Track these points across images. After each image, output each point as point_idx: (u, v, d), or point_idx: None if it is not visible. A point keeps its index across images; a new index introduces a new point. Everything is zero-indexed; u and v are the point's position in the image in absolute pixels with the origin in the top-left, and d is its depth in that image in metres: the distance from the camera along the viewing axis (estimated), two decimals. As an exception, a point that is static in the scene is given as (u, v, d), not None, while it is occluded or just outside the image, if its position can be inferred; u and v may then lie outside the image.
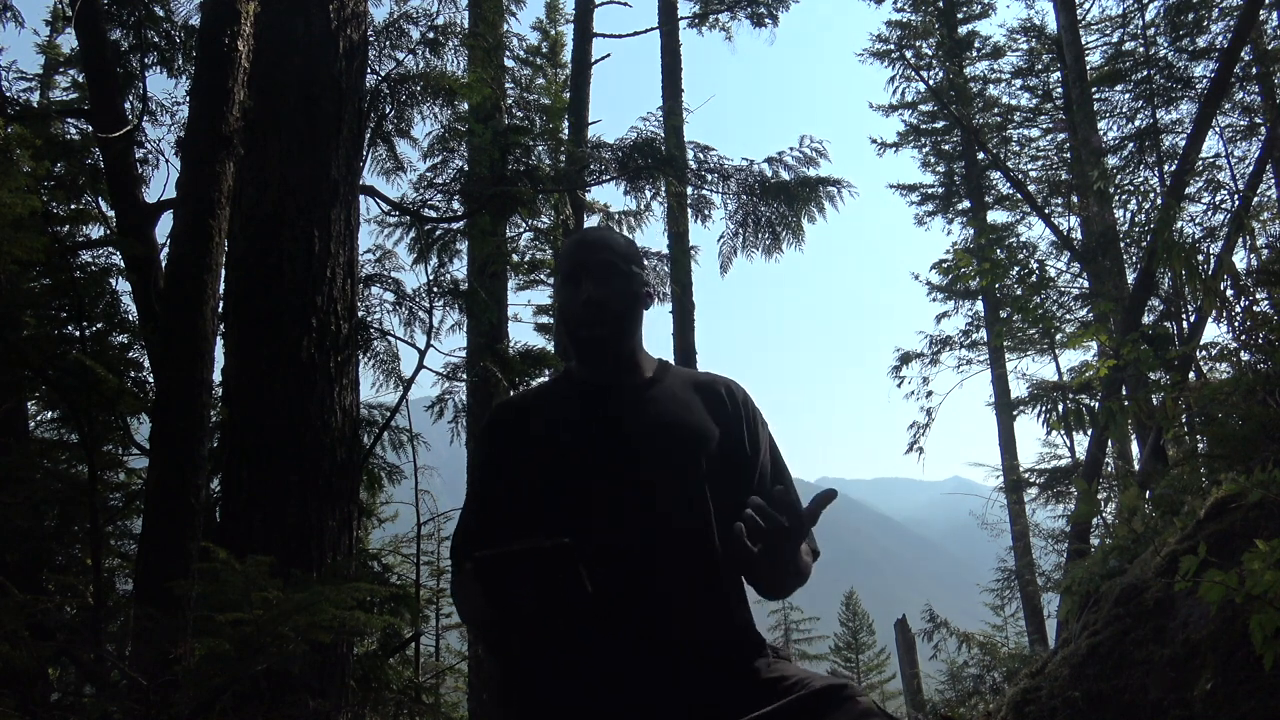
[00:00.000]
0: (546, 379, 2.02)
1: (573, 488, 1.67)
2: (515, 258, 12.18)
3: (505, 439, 1.78)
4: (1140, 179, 12.41)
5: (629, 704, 1.53)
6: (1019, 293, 6.48)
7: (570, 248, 1.82)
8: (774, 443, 1.85)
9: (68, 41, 10.59)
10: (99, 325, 5.13)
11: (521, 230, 10.41)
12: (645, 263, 1.96)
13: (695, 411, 1.75)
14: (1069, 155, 14.75)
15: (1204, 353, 4.86)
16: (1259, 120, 12.15)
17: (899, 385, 16.42)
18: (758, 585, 1.69)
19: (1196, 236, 7.11)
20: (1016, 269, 6.17)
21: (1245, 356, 4.49)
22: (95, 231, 5.77)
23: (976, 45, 16.91)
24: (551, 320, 13.07)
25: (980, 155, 16.51)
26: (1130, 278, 9.21)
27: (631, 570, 1.58)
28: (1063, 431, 11.44)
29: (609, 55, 11.65)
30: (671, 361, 1.90)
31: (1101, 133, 13.02)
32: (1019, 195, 14.41)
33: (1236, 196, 9.62)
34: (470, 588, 1.50)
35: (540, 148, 8.28)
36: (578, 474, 1.67)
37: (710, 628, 1.62)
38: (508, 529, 1.70)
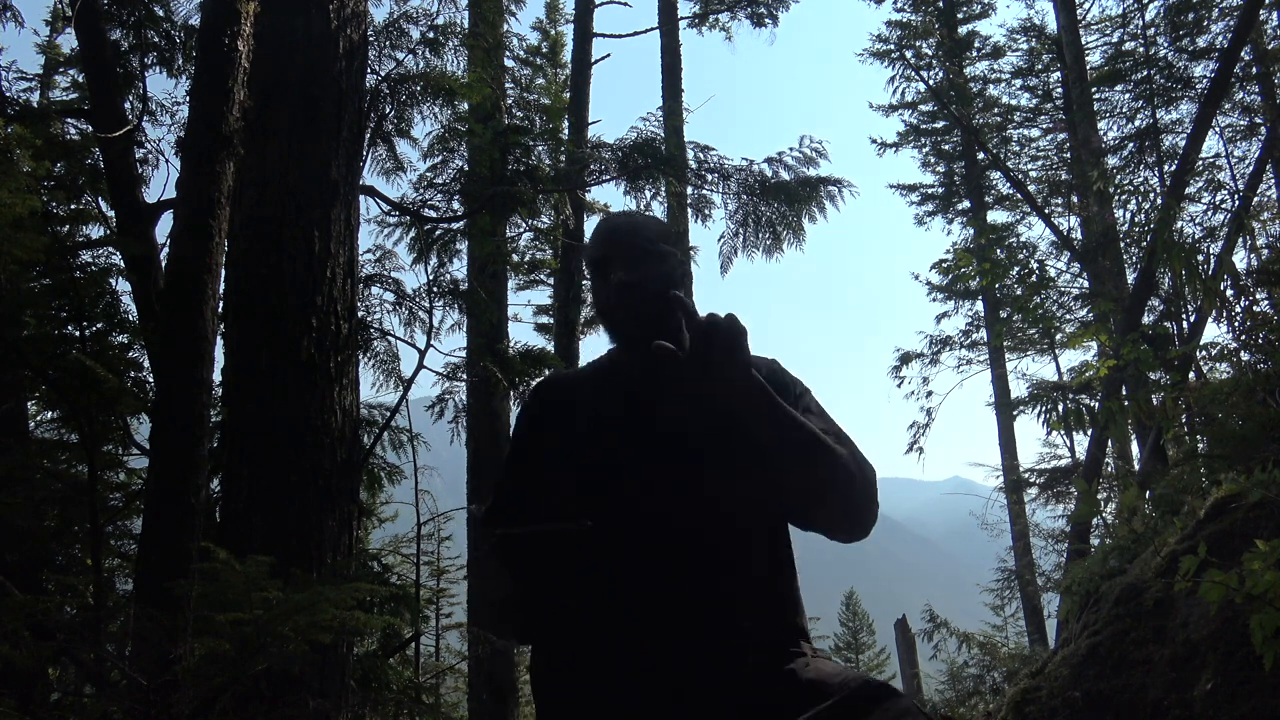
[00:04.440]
0: (594, 358, 1.98)
1: (610, 471, 1.61)
2: (515, 258, 12.20)
3: (546, 416, 1.74)
4: (1140, 179, 12.41)
5: (662, 701, 1.46)
6: (1019, 293, 6.48)
7: (594, 238, 1.75)
8: (819, 405, 1.73)
9: (68, 41, 10.60)
10: (99, 325, 5.13)
11: (521, 230, 10.43)
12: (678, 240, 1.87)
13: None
14: (1069, 155, 14.75)
15: (1204, 353, 4.86)
16: (1259, 120, 12.15)
17: (899, 385, 16.47)
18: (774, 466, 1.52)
19: (1196, 236, 7.10)
20: (1016, 269, 6.17)
21: (1245, 356, 4.49)
22: (95, 231, 5.79)
23: (976, 45, 16.93)
24: (552, 320, 13.08)
25: (980, 155, 16.51)
26: (1130, 278, 9.20)
27: (669, 558, 1.52)
28: (1063, 431, 11.45)
29: (609, 55, 11.69)
30: None
31: (1101, 133, 13.02)
32: (1019, 195, 14.42)
33: (1236, 196, 9.61)
34: (492, 562, 1.50)
35: (540, 148, 8.27)
36: (615, 457, 1.62)
37: (748, 621, 1.54)
38: (541, 507, 1.65)
